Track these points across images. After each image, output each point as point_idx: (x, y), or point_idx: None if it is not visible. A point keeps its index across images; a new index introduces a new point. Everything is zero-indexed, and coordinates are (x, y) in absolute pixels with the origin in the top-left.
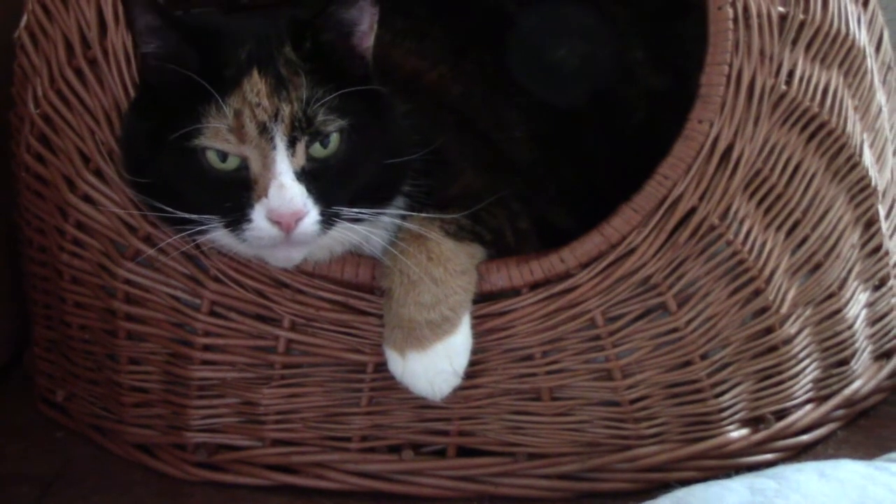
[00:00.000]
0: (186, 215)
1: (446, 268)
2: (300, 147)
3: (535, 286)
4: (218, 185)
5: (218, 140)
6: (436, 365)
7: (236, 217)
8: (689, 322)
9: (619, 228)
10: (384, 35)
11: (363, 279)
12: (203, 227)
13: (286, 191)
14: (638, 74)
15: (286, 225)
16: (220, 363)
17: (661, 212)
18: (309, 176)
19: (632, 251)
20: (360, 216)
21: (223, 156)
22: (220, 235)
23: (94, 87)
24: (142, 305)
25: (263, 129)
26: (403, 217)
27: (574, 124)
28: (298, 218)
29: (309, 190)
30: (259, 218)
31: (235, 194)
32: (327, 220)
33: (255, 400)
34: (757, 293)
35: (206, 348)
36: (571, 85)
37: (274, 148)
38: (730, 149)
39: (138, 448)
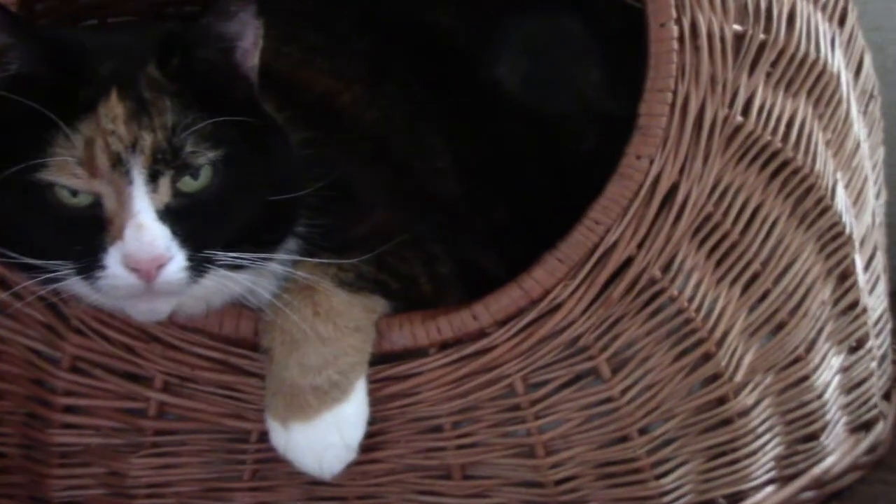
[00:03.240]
0: (32, 261)
1: (336, 324)
2: (164, 182)
3: (444, 346)
4: (68, 226)
5: (64, 174)
6: (324, 437)
7: (88, 262)
8: (625, 391)
9: (541, 281)
10: (294, 52)
11: (245, 334)
12: (53, 275)
13: (145, 232)
14: (590, 97)
15: (146, 272)
16: (84, 427)
17: (591, 262)
18: (175, 215)
19: (557, 308)
20: (240, 262)
21: (73, 192)
22: (73, 284)
23: None
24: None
25: (118, 162)
26: (295, 263)
27: (511, 153)
28: (160, 264)
29: (174, 231)
30: (114, 264)
31: (88, 236)
32: (197, 267)
33: (123, 471)
34: (706, 357)
35: (68, 409)
36: (509, 108)
37: (130, 183)
38: (674, 189)
39: None
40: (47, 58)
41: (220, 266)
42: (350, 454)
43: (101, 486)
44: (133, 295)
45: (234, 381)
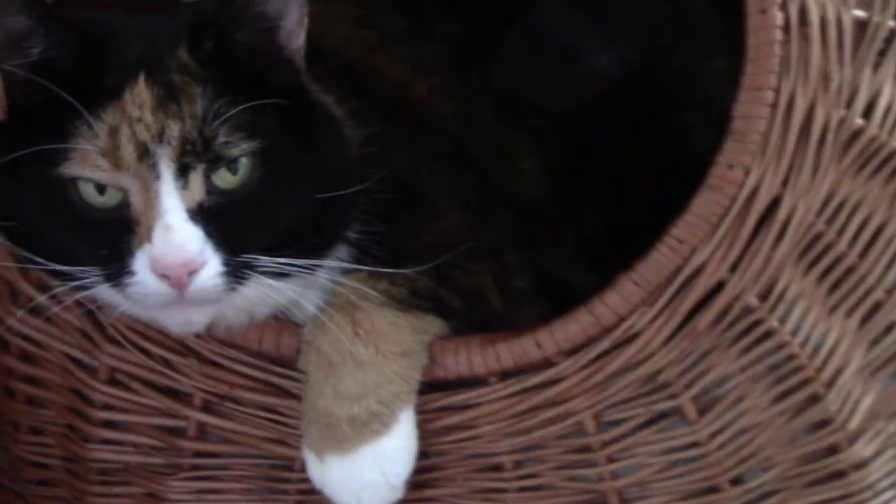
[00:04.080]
0: (59, 267)
1: (378, 347)
2: (195, 177)
3: (505, 376)
4: (94, 228)
5: (87, 166)
6: (363, 474)
7: (116, 268)
8: (714, 435)
9: (615, 307)
10: (370, 37)
11: (286, 352)
12: (81, 282)
13: (174, 234)
14: (710, 89)
15: (176, 279)
16: (122, 443)
17: (674, 287)
18: (209, 214)
19: (633, 338)
20: (282, 269)
21: (100, 187)
22: (103, 291)
23: None
24: (38, 364)
25: (145, 153)
26: (344, 274)
27: (611, 153)
28: (192, 270)
29: (208, 233)
30: (142, 270)
31: (115, 239)
32: (235, 274)
33: (162, 493)
34: (814, 400)
35: (106, 424)
36: (611, 101)
37: (158, 178)
38: (775, 204)
39: None
40: (70, 42)
41: (261, 273)
42: (393, 493)
43: None
44: (165, 304)
45: (276, 403)
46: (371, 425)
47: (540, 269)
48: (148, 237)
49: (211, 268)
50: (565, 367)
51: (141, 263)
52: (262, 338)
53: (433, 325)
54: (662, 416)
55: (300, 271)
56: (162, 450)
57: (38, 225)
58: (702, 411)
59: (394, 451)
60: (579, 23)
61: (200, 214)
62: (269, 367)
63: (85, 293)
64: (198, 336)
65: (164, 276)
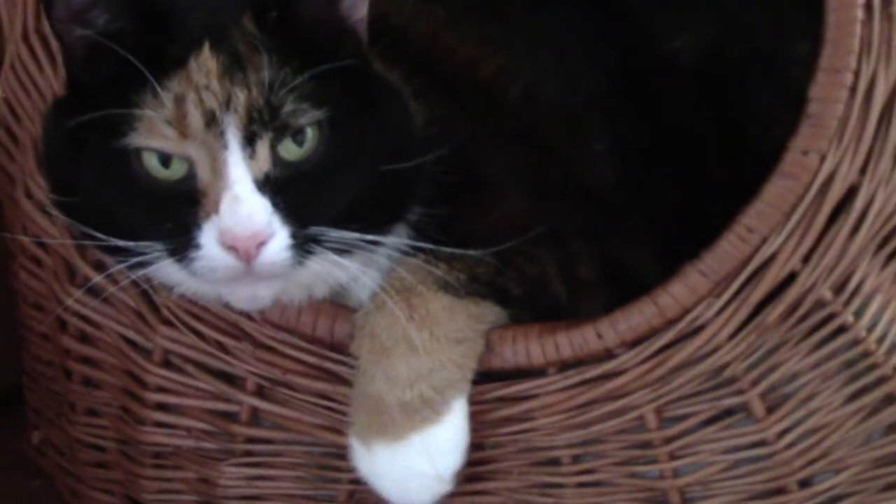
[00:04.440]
0: (120, 243)
1: (432, 332)
2: (262, 146)
3: (564, 367)
4: (159, 201)
5: (153, 136)
6: (411, 464)
7: (182, 242)
8: (782, 433)
9: (679, 298)
10: (438, 13)
11: (340, 337)
12: (142, 258)
13: (242, 205)
14: (792, 74)
15: (244, 251)
16: (175, 426)
17: (742, 278)
18: (276, 185)
19: (698, 330)
20: (348, 244)
21: (165, 160)
22: (166, 268)
23: None
24: (94, 345)
25: (212, 121)
26: (405, 256)
27: (685, 138)
28: (260, 241)
29: (276, 204)
30: (209, 242)
31: (180, 212)
32: (302, 247)
33: (214, 478)
34: (890, 400)
35: (159, 407)
36: (687, 86)
37: (226, 147)
38: (852, 193)
39: None
40: (134, 12)
41: (328, 247)
42: (442, 486)
43: (192, 492)
44: (232, 278)
45: (329, 390)
46: (422, 412)
47: (606, 256)
48: (215, 208)
49: (279, 240)
50: (627, 359)
51: (208, 236)
52: (317, 323)
53: (491, 313)
54: (728, 412)
55: (364, 247)
56: (214, 434)
57: (99, 200)
58: (770, 409)
59: (445, 440)
60: (654, 3)
61: (268, 185)
62: (322, 352)
63: (146, 270)
64: (251, 319)
65: (231, 249)
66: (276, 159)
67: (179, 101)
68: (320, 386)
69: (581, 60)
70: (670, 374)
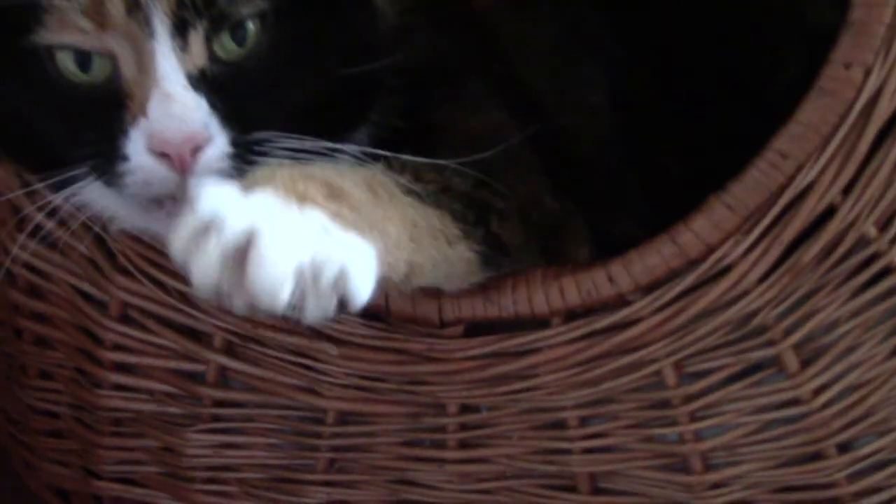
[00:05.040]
0: (36, 165)
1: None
2: (195, 38)
3: (570, 316)
4: (79, 110)
5: (66, 30)
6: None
7: (108, 156)
8: (819, 391)
9: (703, 235)
10: None
11: None
12: (65, 177)
13: (174, 103)
14: (809, 8)
15: (178, 158)
16: (135, 389)
17: (774, 212)
18: (213, 84)
19: (724, 272)
20: (299, 151)
21: (83, 60)
22: (95, 192)
23: None
24: (44, 299)
25: (135, 6)
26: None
27: (689, 85)
28: (196, 145)
29: (213, 105)
30: (138, 150)
31: (105, 121)
32: (244, 156)
33: (179, 447)
34: None
35: (118, 367)
36: (690, 22)
37: (152, 35)
38: None
39: (54, 493)
40: None
41: (274, 155)
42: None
43: (155, 462)
44: (165, 193)
45: (306, 346)
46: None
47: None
48: (143, 110)
49: (217, 146)
50: (642, 307)
51: (136, 144)
52: None
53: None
54: (757, 367)
55: (318, 154)
56: (179, 398)
57: (10, 114)
58: (805, 362)
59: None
60: None
61: (203, 84)
62: None
63: (75, 196)
64: None
65: (163, 156)
66: (212, 55)
67: None
68: (295, 341)
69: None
70: (691, 322)
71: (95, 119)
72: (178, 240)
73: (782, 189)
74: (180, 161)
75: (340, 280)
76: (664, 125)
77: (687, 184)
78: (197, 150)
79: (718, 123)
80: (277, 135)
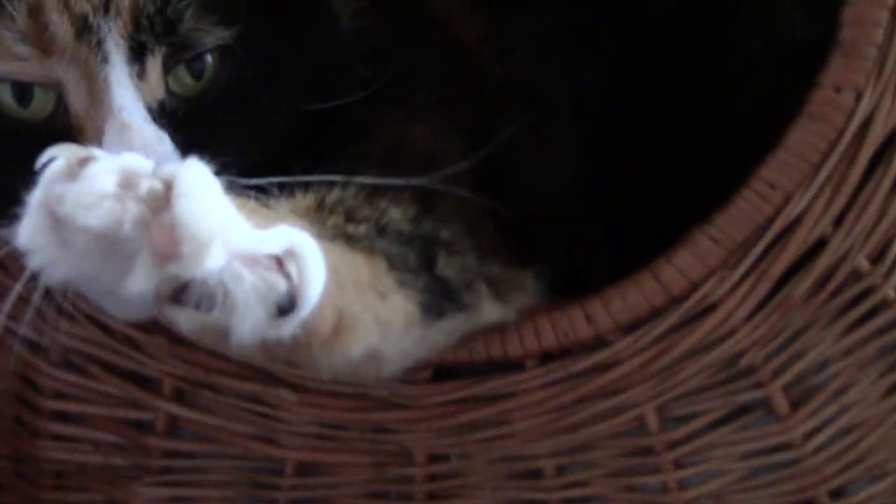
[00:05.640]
0: None
1: None
2: (153, 64)
3: (545, 358)
4: (21, 150)
5: (4, 58)
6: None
7: None
8: (810, 434)
9: (686, 270)
10: None
11: None
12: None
13: (133, 135)
14: (777, 19)
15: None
16: (78, 440)
17: (762, 244)
18: (172, 118)
19: (709, 310)
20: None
21: (22, 94)
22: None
23: None
24: None
25: (85, 28)
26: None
27: (657, 111)
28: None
29: (175, 140)
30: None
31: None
32: None
33: (126, 501)
34: None
35: (59, 416)
36: (657, 41)
37: (105, 60)
38: (893, 139)
39: None
40: None
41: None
42: None
43: None
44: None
45: (261, 392)
46: None
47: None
48: (97, 139)
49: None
50: (622, 348)
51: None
52: None
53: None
54: (745, 410)
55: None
56: (126, 448)
57: None
58: (795, 404)
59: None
60: None
61: (163, 116)
62: None
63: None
64: None
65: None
66: (168, 88)
67: (36, 10)
68: (250, 387)
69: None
70: (675, 364)
71: (35, 151)
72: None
73: (770, 221)
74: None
75: (288, 259)
76: (629, 153)
77: (653, 216)
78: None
79: (686, 145)
80: (235, 179)
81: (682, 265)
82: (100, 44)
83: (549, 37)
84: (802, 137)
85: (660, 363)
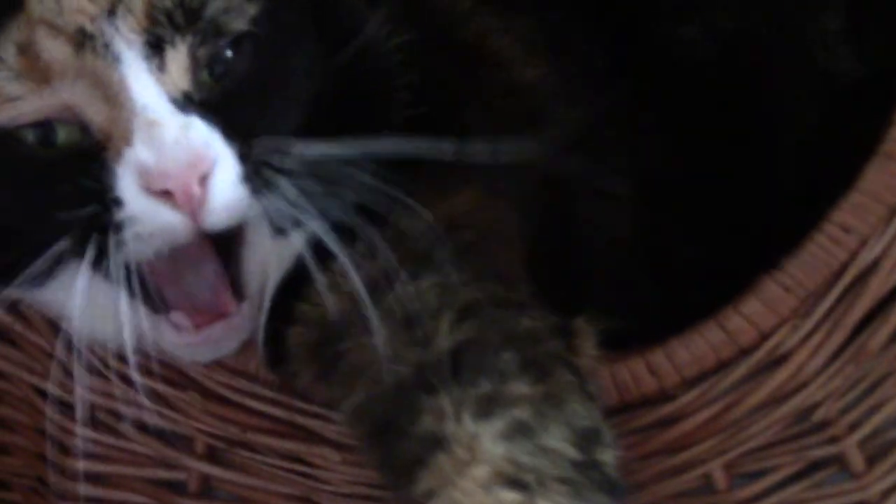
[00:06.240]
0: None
1: None
2: (176, 57)
3: (607, 413)
4: (45, 181)
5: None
6: None
7: (94, 211)
8: (887, 492)
9: (755, 320)
10: None
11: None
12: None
13: (163, 128)
14: (821, 56)
15: (184, 192)
16: (107, 502)
17: (836, 292)
18: (201, 105)
19: (780, 361)
20: (319, 164)
21: (46, 135)
22: (81, 278)
23: None
24: (3, 401)
25: (84, 37)
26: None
27: (701, 156)
28: (203, 172)
29: (208, 120)
30: (131, 192)
31: (81, 182)
32: (257, 172)
33: None
34: None
35: (86, 477)
36: (699, 84)
37: (116, 59)
38: None
39: None
40: None
41: (291, 169)
42: None
43: None
44: (174, 238)
45: (301, 450)
46: None
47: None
48: (126, 140)
49: (226, 167)
50: (688, 401)
51: (127, 184)
52: None
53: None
54: (818, 466)
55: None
56: None
57: None
58: (871, 460)
59: None
60: None
61: (190, 104)
62: (292, 402)
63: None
64: (196, 363)
65: (163, 194)
66: (200, 77)
67: (26, 45)
68: (289, 446)
69: (591, 57)
70: (744, 418)
71: (69, 186)
72: None
73: (844, 266)
74: (186, 196)
75: None
76: (679, 204)
77: (700, 266)
78: (205, 177)
79: (734, 187)
80: (288, 140)
81: (750, 314)
82: (106, 46)
83: (602, 82)
84: (877, 178)
85: (728, 417)
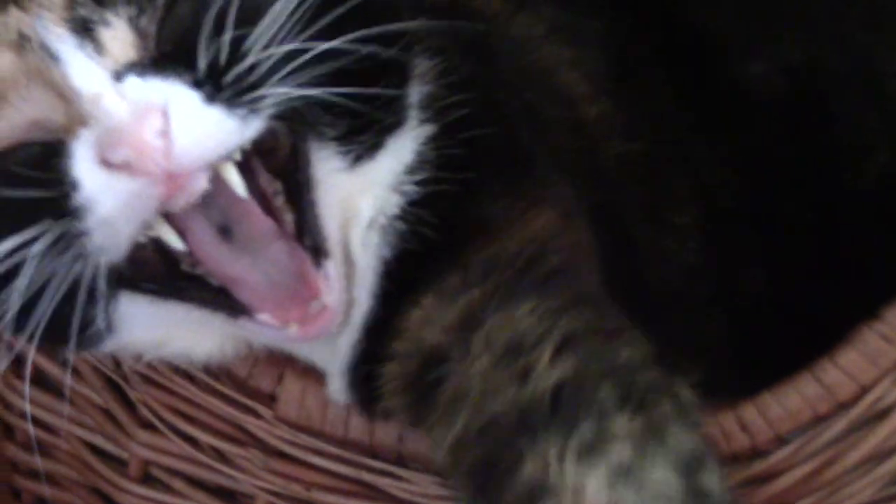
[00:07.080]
0: None
1: None
2: (115, 33)
3: None
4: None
5: None
6: None
7: (55, 195)
8: None
9: (854, 372)
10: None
11: (383, 440)
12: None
13: (108, 97)
14: (892, 86)
15: (140, 149)
16: None
17: None
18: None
19: (881, 417)
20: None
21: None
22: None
23: None
24: (49, 456)
25: (23, 42)
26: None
27: (768, 192)
28: (158, 127)
29: (154, 69)
30: (89, 169)
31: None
32: (232, 101)
33: None
34: None
35: None
36: (767, 121)
37: (54, 56)
38: None
39: None
40: None
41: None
42: None
43: None
44: (141, 214)
45: None
46: None
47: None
48: (81, 122)
49: (182, 99)
50: (782, 459)
51: (82, 159)
52: (349, 421)
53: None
54: None
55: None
56: None
57: None
58: None
59: None
60: (726, 18)
61: (133, 69)
62: (358, 459)
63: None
64: (259, 418)
65: (121, 167)
66: (147, 44)
67: None
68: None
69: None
70: (842, 477)
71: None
72: None
73: None
74: (144, 155)
75: None
76: (749, 241)
77: (774, 306)
78: (161, 127)
79: (810, 231)
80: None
81: (848, 366)
82: (42, 45)
83: (666, 115)
84: None
85: (825, 476)
